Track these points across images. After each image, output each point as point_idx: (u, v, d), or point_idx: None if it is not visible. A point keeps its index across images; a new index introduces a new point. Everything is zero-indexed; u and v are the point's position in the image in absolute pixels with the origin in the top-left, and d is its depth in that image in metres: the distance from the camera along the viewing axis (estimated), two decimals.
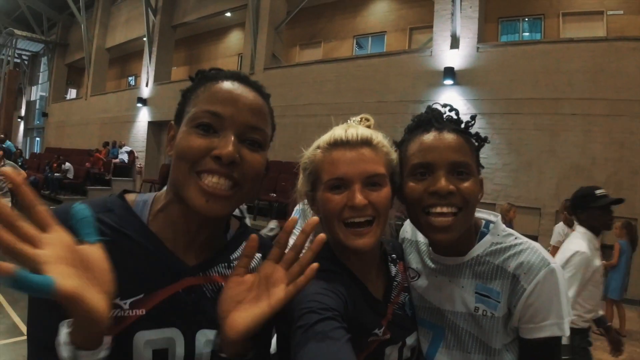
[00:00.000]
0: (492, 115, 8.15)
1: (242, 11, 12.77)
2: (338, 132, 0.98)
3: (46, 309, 0.70)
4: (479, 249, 1.03)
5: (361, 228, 0.93)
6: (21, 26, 21.33)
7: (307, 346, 0.73)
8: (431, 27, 9.30)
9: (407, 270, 1.17)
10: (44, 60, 24.26)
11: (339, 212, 0.93)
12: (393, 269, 1.11)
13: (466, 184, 0.96)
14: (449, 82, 8.61)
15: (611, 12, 9.14)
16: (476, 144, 1.04)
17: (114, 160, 14.74)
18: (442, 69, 8.70)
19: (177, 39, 16.15)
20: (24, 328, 4.00)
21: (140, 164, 15.15)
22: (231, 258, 0.88)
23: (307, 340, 0.74)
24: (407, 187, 1.00)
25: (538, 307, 0.94)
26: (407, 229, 1.25)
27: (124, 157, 14.95)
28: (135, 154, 15.35)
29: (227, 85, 0.79)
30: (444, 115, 1.03)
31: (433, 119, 1.02)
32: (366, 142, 0.96)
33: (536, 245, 1.01)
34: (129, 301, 0.73)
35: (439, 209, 0.95)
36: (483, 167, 1.06)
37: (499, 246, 1.02)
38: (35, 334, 0.72)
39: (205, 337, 0.79)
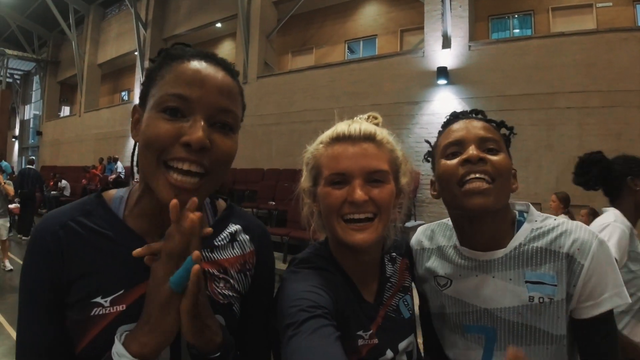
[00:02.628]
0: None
1: (232, 21, 12.77)
2: (341, 127, 0.97)
3: (38, 314, 0.75)
4: (519, 237, 1.01)
5: (361, 224, 0.90)
6: (12, 45, 21.36)
7: (296, 344, 0.73)
8: (422, 28, 9.30)
9: (436, 279, 1.12)
10: (36, 78, 24.29)
11: (339, 207, 0.91)
12: (389, 269, 1.08)
13: (497, 157, 0.97)
14: (442, 81, 8.59)
15: (600, 5, 9.15)
16: (505, 137, 1.06)
17: (110, 177, 14.65)
18: (435, 69, 8.68)
19: None
20: None
21: (136, 179, 15.01)
22: (215, 243, 0.88)
23: (296, 338, 0.74)
24: (440, 166, 1.02)
25: (596, 280, 0.92)
26: (422, 238, 1.21)
27: (122, 171, 14.88)
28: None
29: (193, 65, 0.75)
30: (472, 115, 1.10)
31: (460, 114, 1.10)
32: (369, 138, 0.94)
33: (577, 222, 0.99)
34: (109, 298, 0.74)
35: (472, 176, 0.95)
36: (515, 170, 1.06)
37: (540, 230, 1.00)
38: (26, 340, 0.75)
39: None
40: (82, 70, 18.53)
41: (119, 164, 15.03)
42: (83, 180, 14.58)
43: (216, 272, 0.85)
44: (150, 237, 0.80)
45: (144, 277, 0.72)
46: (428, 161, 1.15)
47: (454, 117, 1.09)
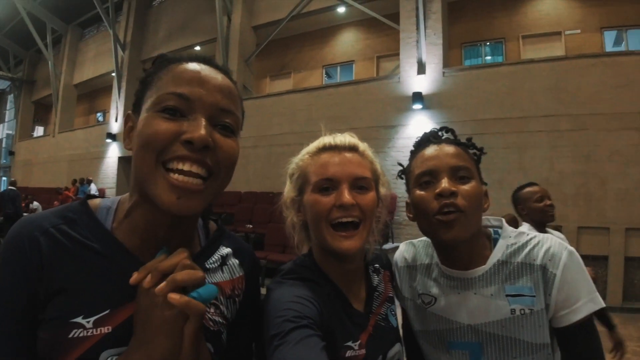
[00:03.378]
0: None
1: (211, 44, 12.83)
2: (326, 139, 1.04)
3: (9, 331, 0.65)
4: (497, 254, 1.04)
5: (348, 230, 0.93)
6: None
7: (282, 354, 0.73)
8: (397, 54, 9.53)
9: (421, 297, 1.14)
10: (10, 97, 23.74)
11: (327, 213, 0.94)
12: (375, 279, 1.11)
13: (468, 186, 1.00)
14: (417, 106, 8.76)
15: (569, 32, 9.53)
16: (475, 157, 1.10)
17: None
18: (410, 94, 8.86)
19: None
20: None
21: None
22: (206, 266, 0.82)
23: (282, 348, 0.74)
24: (414, 196, 1.05)
25: (569, 289, 0.95)
26: (406, 256, 1.23)
27: (95, 193, 14.58)
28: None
29: (192, 66, 0.72)
30: (443, 137, 1.11)
31: (431, 136, 1.11)
32: (353, 148, 1.01)
33: (548, 235, 1.04)
34: (92, 319, 0.66)
35: (445, 210, 0.98)
36: (486, 184, 1.10)
37: (515, 246, 1.04)
38: None
39: None
40: (58, 90, 18.23)
41: (92, 185, 14.72)
42: (55, 202, 14.21)
43: None
44: (141, 253, 0.73)
45: (132, 296, 0.66)
46: (402, 178, 1.18)
47: (426, 140, 1.12)
